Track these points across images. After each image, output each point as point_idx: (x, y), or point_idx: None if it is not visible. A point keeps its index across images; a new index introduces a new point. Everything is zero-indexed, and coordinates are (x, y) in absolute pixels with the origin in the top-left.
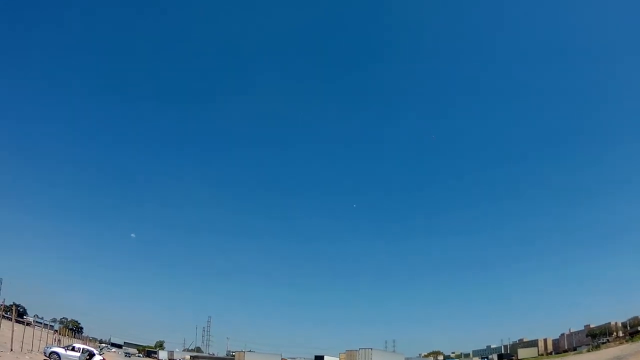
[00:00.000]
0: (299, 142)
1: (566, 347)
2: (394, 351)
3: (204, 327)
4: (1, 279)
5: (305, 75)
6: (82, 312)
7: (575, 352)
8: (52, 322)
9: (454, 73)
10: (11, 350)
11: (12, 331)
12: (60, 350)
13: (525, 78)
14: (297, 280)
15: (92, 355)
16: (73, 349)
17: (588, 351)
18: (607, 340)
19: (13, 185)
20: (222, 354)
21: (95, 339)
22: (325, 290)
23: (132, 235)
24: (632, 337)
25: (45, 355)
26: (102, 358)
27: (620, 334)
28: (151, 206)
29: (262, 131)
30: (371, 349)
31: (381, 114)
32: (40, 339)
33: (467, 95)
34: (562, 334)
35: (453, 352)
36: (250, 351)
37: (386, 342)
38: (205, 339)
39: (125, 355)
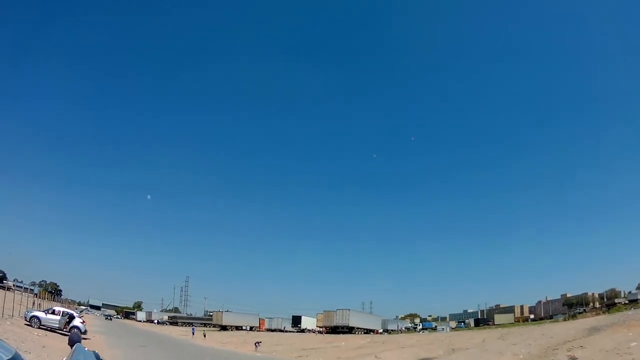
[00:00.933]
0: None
1: (542, 315)
2: (371, 312)
3: (182, 288)
4: None
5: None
6: (61, 275)
7: (551, 320)
8: (31, 285)
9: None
10: None
11: None
12: (41, 314)
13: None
14: (275, 242)
15: (72, 317)
16: (53, 312)
17: (564, 320)
18: (584, 310)
19: None
20: (200, 314)
21: (74, 302)
22: (302, 252)
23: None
24: (608, 308)
25: (26, 320)
26: (81, 320)
27: (597, 304)
28: (127, 168)
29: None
30: (349, 309)
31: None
32: (21, 303)
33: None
34: (539, 302)
35: (430, 315)
36: (227, 311)
37: (363, 304)
38: (183, 299)
39: (106, 317)
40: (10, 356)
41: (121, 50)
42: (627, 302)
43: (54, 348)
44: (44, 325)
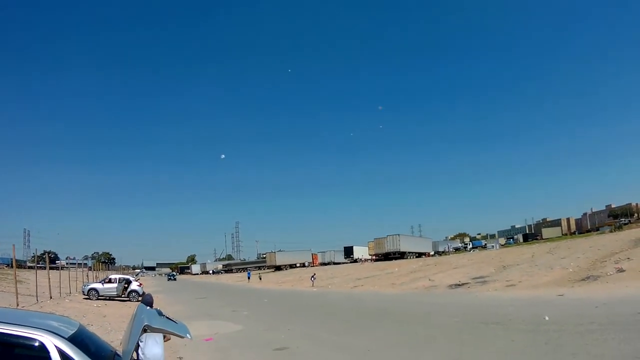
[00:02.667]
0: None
1: (589, 227)
2: (420, 235)
3: (232, 234)
4: (29, 231)
5: None
6: (112, 244)
7: (598, 232)
8: (84, 260)
9: None
10: (50, 297)
11: (49, 279)
12: (98, 285)
13: None
14: (319, 177)
15: (129, 282)
16: (110, 281)
17: (610, 232)
18: (629, 220)
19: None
20: (253, 258)
21: (128, 267)
22: (348, 184)
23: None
24: None
25: (84, 294)
26: (138, 284)
27: None
28: (163, 121)
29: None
30: (399, 234)
31: None
32: (76, 279)
33: None
34: (585, 214)
35: (479, 234)
36: (280, 251)
37: (412, 228)
38: (235, 245)
39: (169, 278)
40: (75, 329)
41: None
42: None
43: (115, 315)
44: (102, 296)
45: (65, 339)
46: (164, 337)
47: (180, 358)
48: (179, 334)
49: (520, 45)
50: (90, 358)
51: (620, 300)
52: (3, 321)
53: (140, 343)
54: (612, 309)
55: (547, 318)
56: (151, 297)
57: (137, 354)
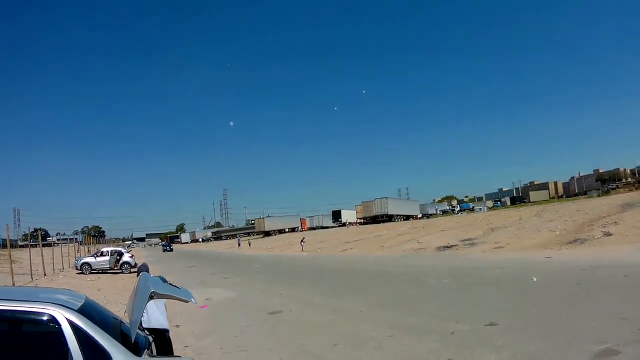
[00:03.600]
0: None
1: (576, 191)
2: (408, 198)
3: (220, 202)
4: (19, 209)
5: None
6: (101, 217)
7: (585, 196)
8: (74, 235)
9: None
10: (45, 274)
11: (42, 256)
12: (90, 259)
13: None
14: (302, 141)
15: (121, 254)
16: (102, 255)
17: (598, 196)
18: (617, 185)
19: None
20: (242, 225)
21: (118, 239)
22: (335, 145)
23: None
24: None
25: (77, 269)
26: (130, 255)
27: (629, 180)
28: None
29: None
30: (386, 197)
31: None
32: (69, 254)
33: None
34: (572, 177)
35: (466, 197)
36: (268, 217)
37: (399, 190)
38: (224, 213)
39: (165, 249)
40: (83, 301)
41: None
42: None
43: (109, 288)
44: (95, 269)
45: (75, 311)
46: None
47: (177, 326)
48: (184, 298)
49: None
50: (100, 327)
51: (607, 263)
52: (12, 299)
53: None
54: (599, 272)
55: (535, 280)
56: (147, 266)
57: (141, 322)
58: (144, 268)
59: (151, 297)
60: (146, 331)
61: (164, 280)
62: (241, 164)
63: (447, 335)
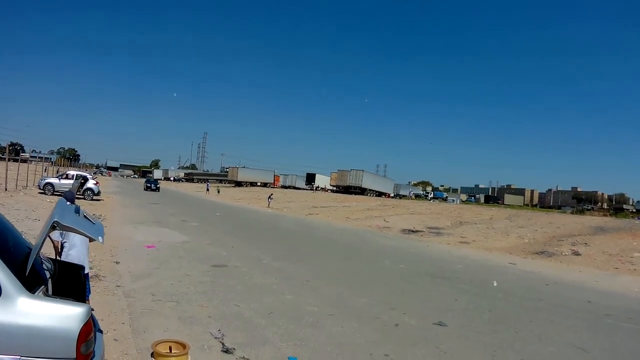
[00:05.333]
0: None
1: (551, 203)
2: (385, 175)
3: (199, 144)
4: None
5: None
6: (81, 141)
7: (559, 210)
8: (49, 154)
9: None
10: (5, 190)
11: (6, 170)
12: (54, 180)
13: None
14: (291, 101)
15: (85, 180)
16: (67, 177)
17: (572, 213)
18: (592, 207)
19: None
20: (217, 171)
21: (92, 165)
22: (319, 110)
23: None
24: (615, 212)
25: (40, 188)
26: (95, 182)
27: (605, 205)
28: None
29: None
30: (362, 170)
31: None
32: (36, 173)
33: None
34: (549, 190)
35: (442, 185)
36: (243, 167)
37: (377, 166)
38: (201, 155)
39: (148, 186)
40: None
41: None
42: (634, 210)
43: None
44: (57, 191)
45: None
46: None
47: (117, 262)
48: (89, 235)
49: None
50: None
51: (571, 283)
52: None
53: (64, 243)
54: (562, 290)
55: (495, 284)
56: (72, 194)
57: (60, 254)
58: (69, 195)
59: (53, 227)
60: (56, 264)
61: (78, 211)
62: (226, 110)
63: (391, 326)
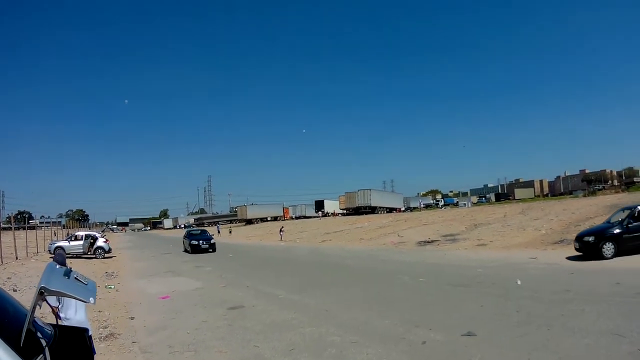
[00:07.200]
0: None
1: (562, 190)
2: (392, 191)
3: (205, 188)
4: (3, 191)
5: None
6: (86, 201)
7: (571, 195)
8: (58, 218)
9: None
10: (16, 258)
11: (14, 239)
12: (64, 243)
13: None
14: (293, 127)
15: (95, 239)
16: (76, 239)
17: (584, 196)
18: (603, 187)
19: None
20: (226, 211)
21: (102, 223)
22: (322, 137)
23: (125, 101)
24: (627, 187)
25: (50, 253)
26: (104, 240)
27: (615, 182)
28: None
29: None
30: (370, 189)
31: None
32: (44, 238)
33: None
34: (558, 177)
35: (451, 191)
36: (251, 204)
37: (384, 183)
38: (208, 199)
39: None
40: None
41: None
42: None
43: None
44: (69, 254)
45: None
46: None
47: (131, 318)
48: (79, 298)
49: None
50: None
51: (595, 268)
52: None
53: (58, 307)
54: (588, 278)
55: (519, 283)
56: (62, 256)
57: (60, 318)
58: (59, 258)
59: (41, 293)
60: (56, 330)
61: (68, 274)
62: (227, 150)
63: (418, 345)
